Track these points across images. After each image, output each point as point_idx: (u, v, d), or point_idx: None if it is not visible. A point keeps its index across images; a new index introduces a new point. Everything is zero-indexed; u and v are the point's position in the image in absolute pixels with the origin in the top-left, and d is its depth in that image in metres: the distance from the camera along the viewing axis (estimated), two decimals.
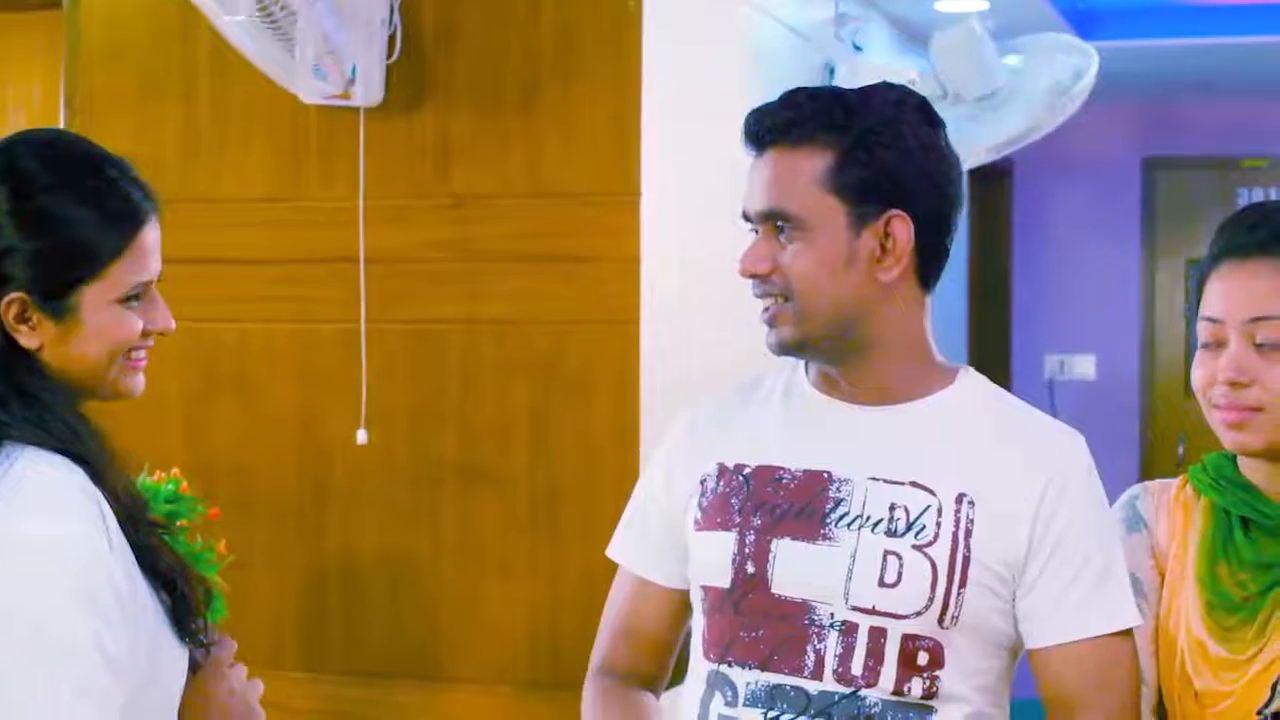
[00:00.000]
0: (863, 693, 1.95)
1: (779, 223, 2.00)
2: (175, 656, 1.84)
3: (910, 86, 2.22)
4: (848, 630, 1.96)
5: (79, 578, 1.71)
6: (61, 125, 4.29)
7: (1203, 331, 2.06)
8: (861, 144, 1.98)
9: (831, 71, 4.66)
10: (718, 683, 2.02)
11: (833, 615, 1.96)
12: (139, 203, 1.87)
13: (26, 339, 1.82)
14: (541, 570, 3.98)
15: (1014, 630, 2.01)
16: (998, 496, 1.98)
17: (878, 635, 1.95)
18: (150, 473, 3.50)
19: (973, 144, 4.92)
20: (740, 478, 2.06)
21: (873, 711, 1.95)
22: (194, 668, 1.88)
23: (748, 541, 2.01)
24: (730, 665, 2.01)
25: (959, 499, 1.98)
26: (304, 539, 4.15)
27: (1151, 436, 7.91)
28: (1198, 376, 2.07)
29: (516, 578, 4.00)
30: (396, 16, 3.98)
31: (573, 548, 3.93)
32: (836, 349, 2.03)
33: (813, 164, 1.99)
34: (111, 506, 1.77)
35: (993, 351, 7.64)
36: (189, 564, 1.90)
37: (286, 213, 4.16)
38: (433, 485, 4.07)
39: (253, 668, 2.00)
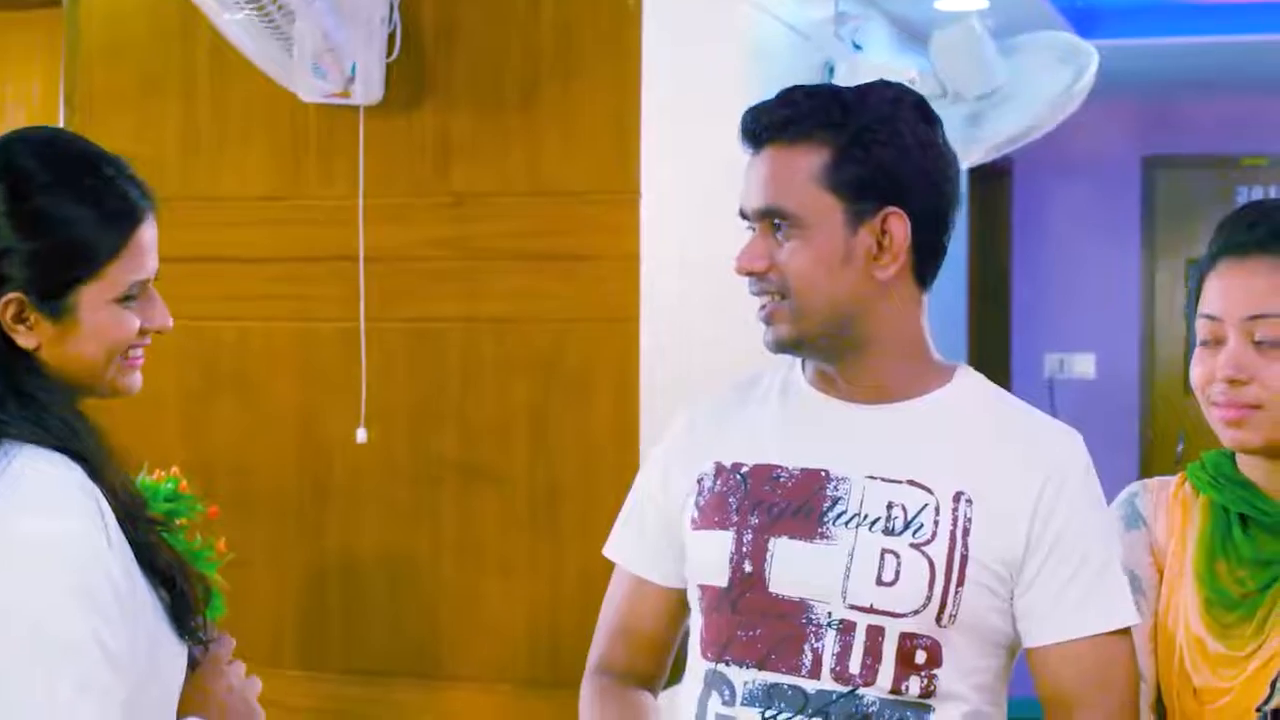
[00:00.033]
0: (860, 691, 1.95)
1: (776, 220, 2.00)
2: (174, 654, 1.84)
3: (910, 85, 2.23)
4: (845, 629, 1.96)
5: (78, 575, 1.71)
6: (61, 123, 4.29)
7: (1201, 329, 2.06)
8: (858, 141, 1.98)
9: (831, 70, 4.67)
10: (715, 682, 2.02)
11: (830, 614, 1.96)
12: (136, 201, 1.87)
13: (24, 339, 1.82)
14: (541, 569, 3.98)
15: (1012, 629, 2.01)
16: (995, 495, 1.98)
17: (875, 634, 1.95)
18: (149, 471, 3.50)
19: (972, 143, 4.92)
20: (738, 476, 2.05)
21: (870, 710, 1.95)
22: (192, 665, 1.88)
23: (745, 540, 2.01)
24: (728, 664, 2.01)
25: (956, 497, 1.98)
26: (303, 537, 4.15)
27: (1151, 435, 7.92)
28: (1196, 374, 2.07)
29: (516, 576, 4.00)
30: (396, 15, 3.98)
31: (572, 546, 3.93)
32: (833, 347, 2.03)
33: (809, 161, 1.99)
34: (110, 504, 1.77)
35: (992, 350, 7.65)
36: (188, 562, 1.90)
37: (286, 211, 4.16)
38: (432, 484, 4.07)
39: (252, 666, 2.00)
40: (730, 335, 3.14)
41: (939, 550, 1.96)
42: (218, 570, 3.39)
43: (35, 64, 5.06)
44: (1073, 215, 8.00)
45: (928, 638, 1.96)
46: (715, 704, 2.01)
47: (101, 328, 1.84)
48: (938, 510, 1.97)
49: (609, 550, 2.22)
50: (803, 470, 2.02)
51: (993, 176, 7.45)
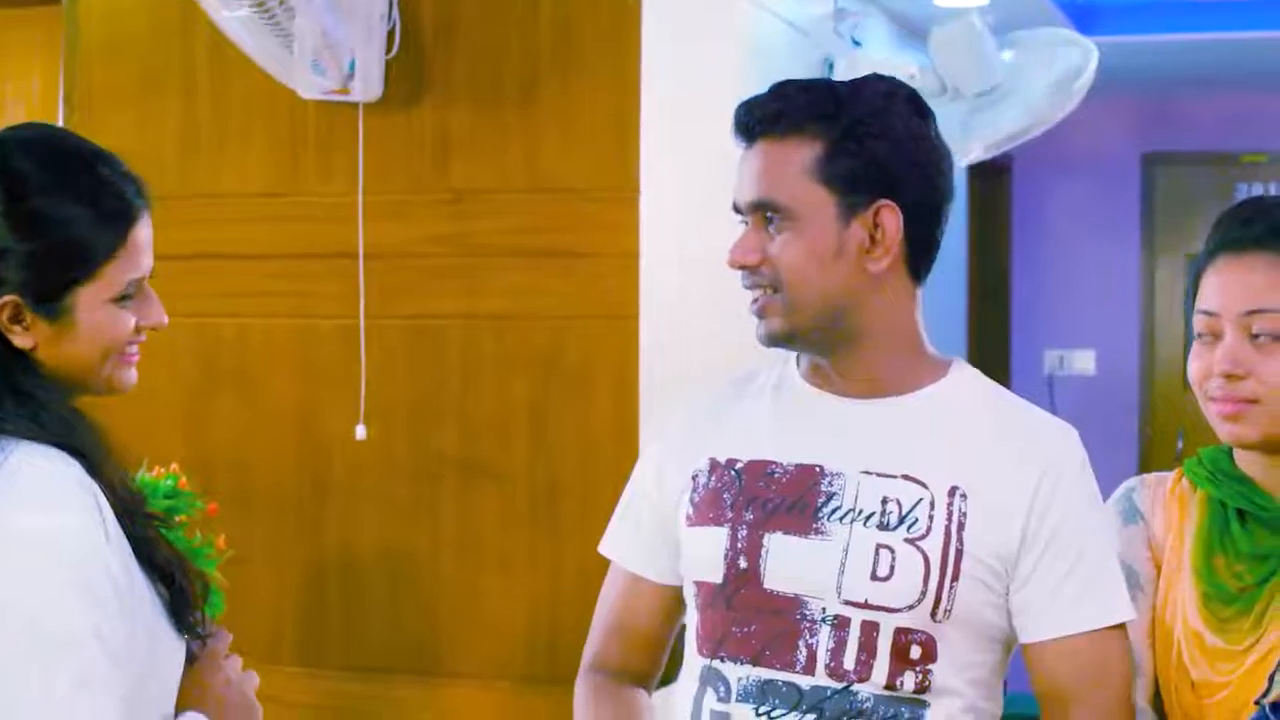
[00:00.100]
0: (855, 687, 1.95)
1: (768, 213, 2.01)
2: (173, 649, 1.84)
3: (910, 82, 2.23)
4: (840, 625, 1.96)
5: (76, 569, 1.71)
6: (61, 121, 4.29)
7: (1199, 324, 2.07)
8: (851, 134, 1.98)
9: (831, 66, 4.67)
10: (710, 678, 2.02)
11: (824, 610, 1.96)
12: (132, 199, 1.87)
13: (20, 339, 1.82)
14: (541, 565, 3.98)
15: (1007, 624, 2.01)
16: (990, 490, 1.98)
17: (870, 629, 1.95)
18: (149, 468, 3.50)
19: (972, 140, 4.92)
20: (732, 472, 2.05)
21: (865, 706, 1.95)
22: (190, 660, 1.89)
23: (740, 536, 2.01)
24: (723, 660, 2.01)
25: (951, 492, 1.97)
26: (303, 534, 4.15)
27: (1151, 432, 7.92)
28: (1194, 369, 2.08)
29: (516, 573, 4.00)
30: (395, 11, 3.98)
31: (572, 542, 3.93)
32: (826, 340, 2.03)
33: (802, 154, 1.99)
34: (109, 499, 1.77)
35: (992, 347, 7.65)
36: (187, 558, 1.90)
37: (285, 208, 4.16)
38: (432, 480, 4.07)
39: (251, 662, 2.00)
40: (729, 332, 3.14)
41: (934, 545, 1.96)
42: (217, 567, 3.40)
43: (35, 61, 5.07)
44: (1072, 212, 8.00)
45: (922, 633, 1.96)
46: (710, 700, 2.01)
47: (98, 328, 1.84)
48: (933, 505, 1.97)
49: (604, 547, 2.22)
50: (797, 466, 2.02)
51: (992, 173, 7.45)
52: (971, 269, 7.35)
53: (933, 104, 2.09)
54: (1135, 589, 2.08)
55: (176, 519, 3.41)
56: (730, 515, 2.03)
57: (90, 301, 1.83)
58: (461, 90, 4.02)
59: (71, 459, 1.77)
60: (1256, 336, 2.02)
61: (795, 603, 1.97)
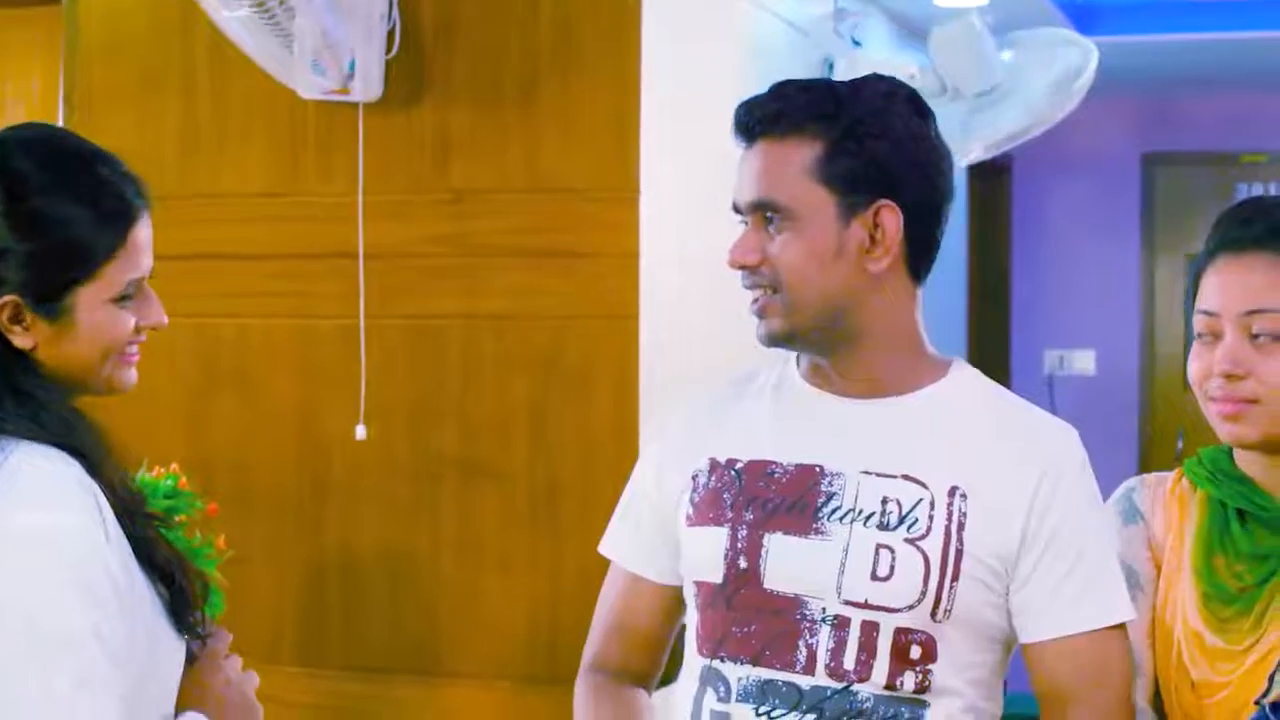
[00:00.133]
0: (855, 687, 1.95)
1: (768, 213, 2.01)
2: (172, 649, 1.84)
3: (910, 82, 2.23)
4: (840, 625, 1.96)
5: (75, 569, 1.71)
6: (61, 121, 4.29)
7: (1198, 324, 2.07)
8: (851, 134, 1.98)
9: (831, 66, 4.67)
10: (710, 678, 2.02)
11: (824, 610, 1.96)
12: (131, 199, 1.86)
13: (20, 340, 1.82)
14: (541, 565, 3.98)
15: (1007, 624, 2.01)
16: (990, 490, 1.98)
17: (870, 629, 1.95)
18: (149, 468, 3.50)
19: (972, 140, 4.92)
20: (732, 472, 2.05)
21: (864, 706, 1.95)
22: (190, 660, 1.88)
23: (740, 536, 2.01)
24: (723, 661, 2.01)
25: (951, 492, 1.97)
26: (303, 534, 4.15)
27: (1151, 431, 7.92)
28: (1193, 369, 2.08)
29: (516, 573, 4.00)
30: (395, 11, 3.98)
31: (572, 542, 3.93)
32: (826, 340, 2.03)
33: (802, 154, 1.99)
34: (108, 499, 1.77)
35: (992, 347, 7.65)
36: (187, 558, 1.90)
37: (285, 208, 4.16)
38: (432, 480, 4.07)
39: (251, 663, 2.00)
40: (729, 332, 3.14)
41: (934, 545, 1.96)
42: (217, 567, 3.40)
43: (35, 61, 5.07)
44: (1072, 212, 8.00)
45: (922, 633, 1.95)
46: (710, 700, 2.01)
47: (98, 328, 1.84)
48: (932, 505, 1.97)
49: (604, 547, 2.22)
50: (797, 466, 2.02)
51: (992, 174, 7.45)
52: (971, 269, 7.35)
53: (933, 104, 2.09)
54: (1135, 589, 2.08)
55: (176, 519, 3.41)
56: (730, 515, 2.03)
57: (90, 302, 1.83)
58: (461, 90, 4.02)
59: (71, 459, 1.77)
60: (1256, 336, 2.02)
61: (795, 603, 1.97)
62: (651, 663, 2.20)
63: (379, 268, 4.05)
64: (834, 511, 1.98)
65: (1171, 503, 2.15)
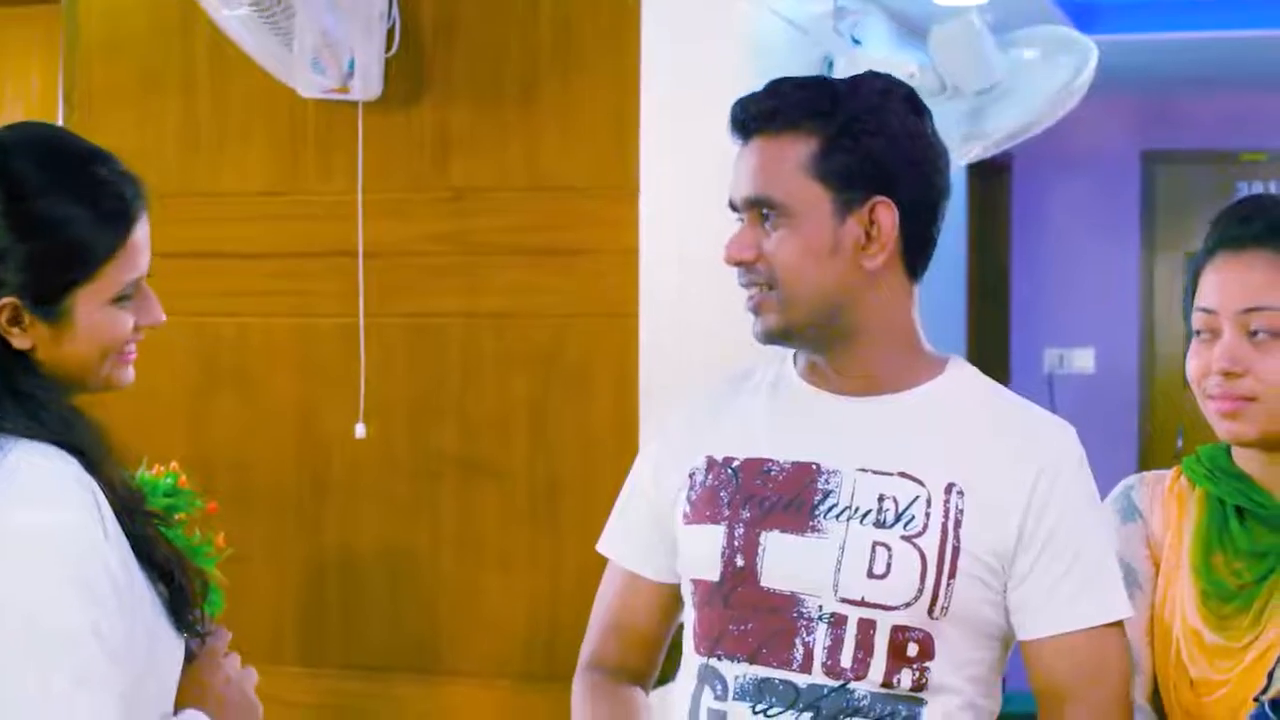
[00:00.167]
0: (852, 685, 1.95)
1: (764, 210, 2.01)
2: (172, 647, 1.84)
3: (910, 80, 2.23)
4: (836, 622, 1.95)
5: (74, 567, 1.71)
6: (60, 120, 4.29)
7: (1197, 322, 2.07)
8: (847, 131, 1.98)
9: (830, 65, 4.66)
10: (708, 676, 2.02)
11: (821, 607, 1.96)
12: (130, 199, 1.86)
13: (19, 341, 1.81)
14: (541, 563, 3.98)
15: (1004, 621, 2.01)
16: (987, 487, 1.98)
17: (867, 627, 1.95)
18: (149, 466, 3.50)
19: (972, 138, 4.91)
20: (729, 470, 2.05)
21: (862, 704, 1.95)
22: (189, 658, 1.89)
23: (737, 534, 2.01)
24: (720, 659, 2.01)
25: (948, 489, 1.97)
26: (303, 533, 4.16)
27: (1150, 430, 7.91)
28: (1192, 367, 2.08)
29: (516, 571, 4.00)
30: (395, 10, 3.98)
31: (572, 541, 3.93)
32: (822, 337, 2.03)
33: (797, 151, 1.99)
34: (108, 497, 1.77)
35: (992, 345, 7.65)
36: (187, 556, 1.90)
37: (285, 207, 4.16)
38: (432, 479, 4.07)
39: (251, 661, 2.00)
40: (729, 329, 3.13)
41: (930, 542, 1.95)
42: (217, 565, 3.39)
43: (34, 60, 5.07)
44: (1072, 210, 8.00)
45: (920, 630, 1.95)
46: (708, 699, 2.01)
47: (97, 328, 1.84)
48: (929, 502, 1.97)
49: (602, 546, 2.22)
50: (794, 463, 2.02)
51: (992, 172, 7.45)
52: (971, 267, 7.35)
53: (932, 102, 2.09)
54: (1134, 587, 2.08)
55: (176, 517, 3.40)
56: (727, 513, 2.03)
57: (89, 302, 1.83)
58: (461, 89, 4.03)
59: (70, 457, 1.77)
60: (1255, 334, 2.03)
61: (792, 600, 1.97)
62: (649, 661, 2.20)
63: (379, 266, 4.05)
64: (831, 509, 1.98)
65: (1170, 501, 2.15)
